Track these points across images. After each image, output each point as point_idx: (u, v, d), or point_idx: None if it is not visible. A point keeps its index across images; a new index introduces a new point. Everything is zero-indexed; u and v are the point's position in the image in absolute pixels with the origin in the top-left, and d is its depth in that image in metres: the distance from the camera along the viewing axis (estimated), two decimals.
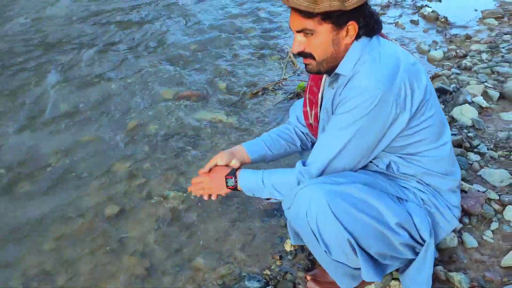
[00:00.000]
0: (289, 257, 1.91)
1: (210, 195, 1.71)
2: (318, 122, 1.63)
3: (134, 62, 3.81)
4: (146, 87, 3.40)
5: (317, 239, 1.37)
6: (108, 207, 2.28)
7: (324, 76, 1.57)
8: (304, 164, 1.48)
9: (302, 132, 1.84)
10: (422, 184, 1.48)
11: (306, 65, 1.45)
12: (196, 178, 1.73)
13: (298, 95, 3.12)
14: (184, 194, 2.33)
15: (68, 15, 4.95)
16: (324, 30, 1.34)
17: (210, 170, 1.71)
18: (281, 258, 1.91)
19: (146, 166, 2.57)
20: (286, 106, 3.04)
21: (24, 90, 3.45)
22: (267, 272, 1.84)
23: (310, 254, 1.91)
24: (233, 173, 1.62)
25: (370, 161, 1.50)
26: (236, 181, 1.59)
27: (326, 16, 1.31)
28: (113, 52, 4.05)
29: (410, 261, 1.52)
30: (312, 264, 1.86)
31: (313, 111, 1.65)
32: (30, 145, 2.82)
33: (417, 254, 1.49)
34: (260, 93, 3.21)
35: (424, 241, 1.45)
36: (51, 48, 4.18)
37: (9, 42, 4.33)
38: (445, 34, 3.88)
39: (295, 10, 1.33)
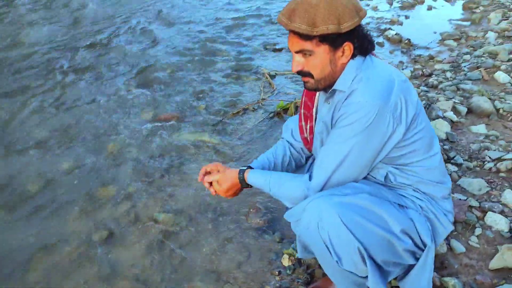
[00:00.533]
0: (288, 272, 1.93)
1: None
2: (313, 135, 1.70)
3: (109, 86, 3.78)
4: (123, 111, 3.38)
5: (329, 250, 1.42)
6: (95, 233, 2.24)
7: (318, 93, 1.65)
8: (310, 177, 1.54)
9: (295, 149, 1.89)
10: (418, 192, 1.56)
11: (305, 82, 1.52)
12: (208, 166, 1.73)
13: (278, 114, 3.19)
14: (175, 217, 2.32)
15: (38, 41, 4.85)
16: (322, 51, 1.42)
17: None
18: (280, 273, 1.93)
19: (131, 189, 2.54)
20: (268, 125, 3.11)
21: None
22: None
23: (308, 267, 1.95)
24: (243, 170, 1.66)
25: (368, 173, 1.57)
26: (246, 175, 1.64)
27: (324, 38, 1.39)
28: (87, 76, 3.99)
29: (409, 268, 1.59)
30: (311, 278, 1.90)
31: (308, 125, 1.72)
32: (6, 173, 2.73)
33: (417, 259, 1.56)
34: (240, 113, 3.26)
35: (424, 246, 1.52)
36: (23, 74, 4.09)
37: None
38: (410, 55, 4.11)
39: (294, 32, 1.40)
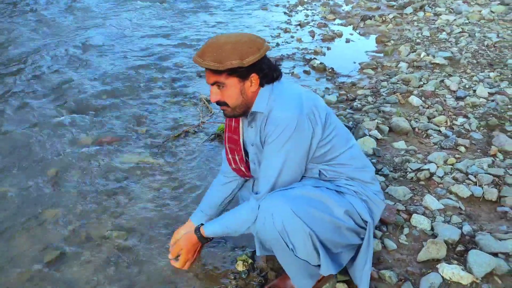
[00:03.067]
0: (243, 275, 2.06)
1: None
2: (246, 163, 1.92)
3: (42, 112, 3.70)
4: (61, 136, 3.34)
5: (284, 240, 1.61)
6: (46, 254, 2.21)
7: (241, 122, 1.88)
8: (256, 193, 1.76)
9: (232, 178, 2.10)
10: (350, 180, 1.82)
11: (223, 110, 1.77)
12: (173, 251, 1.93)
13: (219, 136, 3.34)
14: (128, 234, 2.35)
15: None
16: (232, 82, 1.67)
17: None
18: (235, 278, 2.05)
19: (78, 210, 2.53)
20: (209, 147, 3.24)
21: None
22: None
23: (261, 271, 2.09)
24: (198, 228, 1.86)
25: (304, 176, 1.80)
26: (203, 231, 1.84)
27: (231, 72, 1.64)
28: (16, 103, 3.86)
29: (356, 252, 1.83)
30: (265, 280, 2.04)
31: (236, 157, 1.93)
32: None
33: (362, 239, 1.79)
34: (182, 136, 3.37)
35: (365, 224, 1.77)
36: None
37: None
38: (334, 82, 4.49)
39: (207, 69, 1.65)
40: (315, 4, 8.16)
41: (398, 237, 2.28)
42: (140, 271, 2.12)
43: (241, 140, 1.90)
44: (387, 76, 4.49)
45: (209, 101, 3.95)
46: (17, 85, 4.22)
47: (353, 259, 1.84)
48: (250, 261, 2.13)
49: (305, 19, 7.06)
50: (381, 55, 5.34)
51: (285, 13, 7.46)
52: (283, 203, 1.60)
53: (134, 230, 2.39)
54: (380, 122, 3.42)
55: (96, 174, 2.88)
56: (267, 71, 1.71)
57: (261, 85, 1.72)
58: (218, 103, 1.72)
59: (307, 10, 7.73)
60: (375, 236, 2.25)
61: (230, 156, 1.95)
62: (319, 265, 1.70)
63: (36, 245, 2.27)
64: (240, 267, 2.10)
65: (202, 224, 1.87)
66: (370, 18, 6.87)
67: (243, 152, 1.90)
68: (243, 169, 1.93)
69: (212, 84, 1.68)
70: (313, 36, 6.13)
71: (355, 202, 1.76)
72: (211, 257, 2.20)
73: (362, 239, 1.79)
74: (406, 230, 2.32)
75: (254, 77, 1.68)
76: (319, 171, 1.79)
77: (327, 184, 1.77)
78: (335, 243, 1.70)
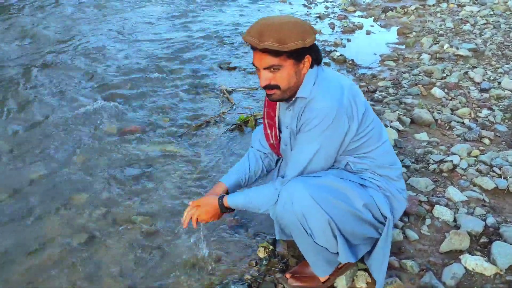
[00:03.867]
0: (264, 262, 2.09)
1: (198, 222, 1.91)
2: (278, 140, 1.92)
3: (70, 102, 3.78)
4: (87, 124, 3.41)
5: (303, 226, 1.64)
6: (75, 236, 2.28)
7: (284, 105, 1.86)
8: (283, 177, 1.77)
9: (265, 155, 2.11)
10: (375, 174, 1.82)
11: (270, 94, 1.72)
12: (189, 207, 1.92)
13: (239, 127, 3.36)
14: (151, 219, 2.41)
15: None
16: (289, 64, 1.64)
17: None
18: (256, 264, 2.08)
19: (105, 196, 2.60)
20: (230, 136, 3.27)
21: None
22: (248, 277, 2.00)
23: (282, 258, 2.11)
24: (221, 197, 1.86)
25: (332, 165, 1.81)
26: (226, 201, 1.84)
27: (291, 53, 1.61)
28: (46, 93, 3.95)
29: (374, 245, 1.83)
30: (286, 267, 2.06)
31: (272, 132, 1.94)
32: None
33: (380, 234, 1.79)
34: (203, 126, 3.40)
35: (384, 219, 1.77)
36: None
37: None
38: (355, 74, 4.47)
39: (264, 51, 1.60)
40: None
41: (420, 228, 2.28)
42: (163, 255, 2.17)
43: (276, 118, 1.90)
44: (409, 68, 4.45)
45: (229, 92, 3.98)
46: (45, 77, 4.31)
47: (370, 252, 1.85)
48: (271, 247, 2.15)
49: (325, 11, 7.01)
50: (403, 46, 5.28)
51: (304, 5, 7.41)
52: (303, 189, 1.61)
53: (157, 215, 2.44)
54: (401, 113, 3.40)
55: (121, 162, 2.94)
56: (317, 53, 1.70)
57: (310, 66, 1.70)
58: (268, 86, 1.67)
59: (327, 2, 7.66)
60: (396, 226, 2.25)
61: (268, 131, 1.95)
62: (337, 253, 1.72)
63: (66, 228, 2.34)
64: (261, 253, 2.13)
65: (226, 194, 1.88)
66: (392, 10, 6.79)
67: (277, 129, 1.91)
68: (275, 146, 1.95)
69: (266, 68, 1.63)
70: (333, 28, 6.10)
71: (376, 196, 1.76)
72: (233, 243, 2.24)
73: (380, 234, 1.79)
74: (428, 221, 2.31)
75: (307, 59, 1.66)
76: (347, 162, 1.79)
77: (351, 176, 1.78)
78: (354, 233, 1.71)
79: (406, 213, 2.34)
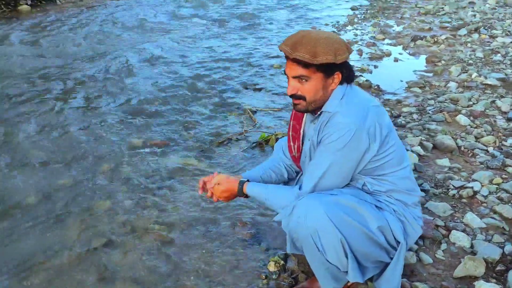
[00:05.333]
0: (274, 276, 2.10)
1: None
2: (300, 152, 1.94)
3: (100, 114, 3.95)
4: (115, 137, 3.54)
5: (315, 242, 1.64)
6: (95, 240, 2.37)
7: (305, 115, 1.91)
8: (300, 188, 1.79)
9: (286, 164, 2.13)
10: (392, 198, 1.81)
11: (296, 104, 1.77)
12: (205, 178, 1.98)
13: (260, 145, 3.42)
14: (168, 228, 2.47)
15: (31, 73, 5.01)
16: (317, 77, 1.69)
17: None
18: (266, 277, 2.10)
19: (126, 204, 2.69)
20: (251, 153, 3.33)
21: None
22: None
23: (292, 273, 2.12)
24: (243, 181, 1.90)
25: (348, 184, 1.82)
26: (245, 187, 1.88)
27: (320, 67, 1.66)
28: (78, 105, 4.17)
29: (384, 268, 1.81)
30: (295, 282, 2.07)
31: (295, 145, 1.97)
32: (6, 188, 2.85)
33: (391, 258, 1.78)
34: (225, 142, 3.48)
35: (396, 244, 1.75)
36: (17, 101, 4.24)
37: None
38: (379, 99, 4.48)
39: (295, 60, 1.67)
40: (365, 24, 8.16)
41: (435, 252, 2.25)
42: (177, 263, 2.21)
43: (301, 131, 1.93)
44: (435, 95, 4.43)
45: (253, 112, 4.05)
46: (79, 90, 4.52)
47: (380, 273, 1.84)
48: (282, 262, 2.17)
49: (354, 38, 7.08)
50: (430, 74, 5.26)
51: (333, 32, 7.51)
52: (318, 205, 1.62)
53: (174, 225, 2.50)
54: (424, 139, 3.38)
55: (143, 173, 3.04)
56: (348, 72, 1.73)
57: (340, 83, 1.73)
58: (294, 96, 1.73)
59: (357, 30, 7.74)
60: (410, 249, 2.23)
61: (292, 143, 1.99)
62: (346, 272, 1.71)
63: (86, 232, 2.44)
64: (271, 267, 2.15)
65: (248, 180, 1.90)
66: (421, 39, 6.79)
67: (300, 142, 1.94)
68: (297, 158, 1.97)
69: (294, 77, 1.70)
70: (360, 55, 6.15)
71: (391, 220, 1.76)
72: (244, 255, 2.26)
73: (391, 258, 1.78)
74: (444, 246, 2.28)
75: (337, 75, 1.70)
76: (364, 182, 1.80)
77: (367, 197, 1.78)
78: (365, 254, 1.71)
79: (421, 237, 2.31)
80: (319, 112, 1.78)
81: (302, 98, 1.73)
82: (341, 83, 1.74)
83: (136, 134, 3.59)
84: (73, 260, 2.22)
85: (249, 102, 4.33)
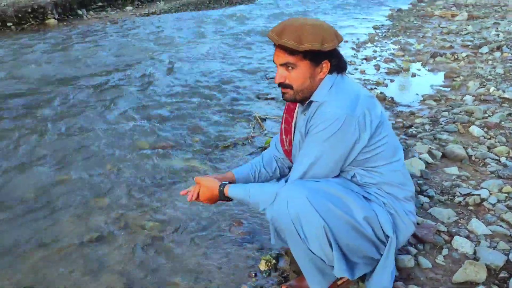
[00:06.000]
0: (264, 275, 2.04)
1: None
2: (292, 146, 1.90)
3: (111, 117, 4.02)
4: (122, 139, 3.59)
5: (296, 230, 1.57)
6: (86, 234, 2.36)
7: (297, 107, 1.87)
8: (286, 181, 1.74)
9: (279, 159, 2.09)
10: (382, 191, 1.74)
11: (284, 93, 1.74)
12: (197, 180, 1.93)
13: (265, 149, 3.38)
14: (162, 226, 2.44)
15: (46, 78, 5.16)
16: (304, 65, 1.66)
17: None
18: (256, 275, 2.04)
19: (123, 201, 2.69)
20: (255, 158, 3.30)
21: (2, 136, 3.62)
22: (245, 287, 1.96)
23: (283, 272, 2.06)
24: (223, 184, 1.84)
25: (337, 176, 1.76)
26: (227, 190, 1.81)
27: (306, 55, 1.63)
28: (90, 108, 4.26)
29: (375, 267, 1.73)
30: (285, 281, 2.00)
31: (287, 138, 1.93)
32: (7, 182, 2.91)
33: (381, 255, 1.70)
34: (231, 147, 3.46)
35: (386, 239, 1.67)
36: (32, 102, 4.37)
37: None
38: (392, 111, 4.40)
39: (281, 47, 1.64)
40: (385, 42, 8.12)
41: (435, 257, 2.14)
42: (166, 260, 2.18)
43: (293, 123, 1.88)
44: (450, 107, 4.32)
45: (262, 119, 4.04)
46: (92, 94, 4.63)
47: (371, 273, 1.76)
48: (273, 262, 2.11)
49: (373, 54, 7.04)
50: (447, 89, 5.15)
51: (352, 48, 7.49)
52: (301, 191, 1.57)
53: (168, 223, 2.48)
54: (433, 148, 3.28)
55: (145, 173, 3.05)
56: (338, 61, 1.69)
57: (329, 72, 1.69)
58: (281, 84, 1.70)
59: (376, 47, 7.70)
60: (408, 253, 2.13)
61: (284, 137, 1.94)
62: (333, 266, 1.64)
63: (79, 226, 2.44)
64: (262, 266, 2.09)
65: (229, 183, 1.84)
66: (441, 55, 6.69)
67: (292, 135, 1.88)
68: (289, 152, 1.92)
69: (281, 65, 1.67)
70: (377, 69, 6.09)
71: (379, 212, 1.68)
72: (235, 253, 2.21)
73: (382, 255, 1.70)
74: (445, 251, 2.17)
75: (325, 64, 1.66)
76: (354, 173, 1.73)
77: (355, 188, 1.71)
78: (351, 247, 1.62)
79: (421, 241, 2.22)
80: (307, 102, 1.74)
81: (289, 86, 1.69)
82: (330, 72, 1.70)
83: (144, 137, 3.62)
84: (62, 252, 2.22)
85: (259, 111, 4.32)
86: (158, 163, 3.18)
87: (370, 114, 1.65)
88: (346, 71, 1.79)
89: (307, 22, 1.64)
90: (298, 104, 1.85)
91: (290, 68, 1.66)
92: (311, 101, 1.72)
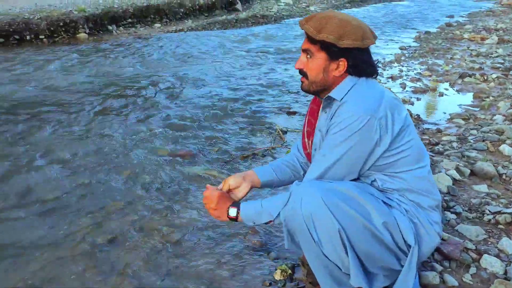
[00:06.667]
0: (279, 285, 1.95)
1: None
2: (312, 146, 1.83)
3: (133, 126, 4.03)
4: (142, 145, 3.58)
5: (310, 231, 1.49)
6: (100, 235, 2.33)
7: (321, 107, 1.81)
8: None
9: (302, 161, 2.02)
10: (404, 197, 1.64)
11: (301, 82, 1.73)
12: (206, 191, 1.86)
13: None
14: (176, 230, 2.39)
15: (74, 87, 5.27)
16: (320, 57, 1.64)
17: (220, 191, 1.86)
18: (270, 285, 1.95)
19: (140, 206, 2.65)
20: None
21: (29, 138, 3.70)
22: None
23: (298, 283, 1.96)
24: (237, 204, 1.77)
25: (357, 179, 1.67)
26: (238, 212, 1.74)
27: (324, 46, 1.60)
28: (114, 116, 4.30)
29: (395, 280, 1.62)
30: None
31: (310, 140, 1.85)
32: (27, 182, 2.93)
33: (402, 267, 1.58)
34: (250, 157, 3.40)
35: (408, 249, 1.56)
36: (58, 109, 4.46)
37: (24, 104, 4.59)
38: (419, 128, 4.28)
39: (306, 33, 1.64)
40: (412, 62, 8.00)
41: (462, 276, 2.01)
42: (179, 265, 2.12)
43: (316, 126, 1.83)
44: (479, 126, 4.17)
45: (283, 132, 3.98)
46: (117, 103, 4.68)
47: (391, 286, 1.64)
48: (289, 272, 2.02)
49: (398, 74, 6.93)
50: (476, 109, 5.00)
51: (378, 67, 7.40)
52: (315, 191, 1.49)
53: (183, 228, 2.43)
54: (461, 165, 3.14)
55: (163, 179, 3.01)
56: (360, 63, 1.63)
57: (348, 73, 1.65)
58: (301, 72, 1.70)
59: (402, 66, 7.58)
60: (433, 269, 2.01)
61: (306, 140, 1.88)
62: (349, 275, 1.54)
63: (94, 227, 2.41)
64: (278, 276, 2.00)
65: (237, 207, 1.75)
66: (470, 76, 6.53)
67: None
68: (311, 155, 1.85)
69: (303, 51, 1.67)
70: (403, 88, 5.98)
71: (400, 218, 1.57)
72: (251, 262, 2.13)
73: (403, 266, 1.58)
74: (472, 270, 2.04)
75: (342, 62, 1.63)
76: (375, 178, 1.65)
77: (375, 192, 1.61)
78: (369, 255, 1.52)
79: (447, 258, 2.09)
80: (325, 97, 1.69)
81: (306, 76, 1.69)
82: (352, 74, 1.65)
83: (164, 145, 3.60)
84: (75, 252, 2.18)
85: (280, 123, 4.26)
86: (176, 170, 3.15)
87: (393, 116, 1.58)
88: (375, 77, 1.73)
89: (338, 16, 1.62)
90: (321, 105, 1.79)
91: (308, 56, 1.66)
92: (331, 98, 1.66)
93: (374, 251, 1.52)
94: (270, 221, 1.67)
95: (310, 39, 1.62)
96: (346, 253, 1.48)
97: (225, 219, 1.79)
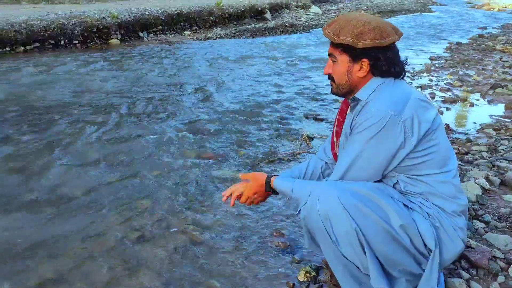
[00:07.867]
0: (302, 286, 1.96)
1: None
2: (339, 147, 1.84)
3: (161, 128, 4.11)
4: (170, 147, 3.65)
5: (327, 230, 1.50)
6: (128, 233, 2.39)
7: (349, 108, 1.82)
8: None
9: (326, 162, 2.02)
10: (427, 201, 1.61)
11: (331, 86, 1.76)
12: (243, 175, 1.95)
13: None
14: (203, 230, 2.43)
15: (106, 90, 5.43)
16: (343, 60, 1.65)
17: None
18: (294, 286, 1.96)
19: (166, 205, 2.71)
20: None
21: (62, 137, 3.82)
22: None
23: (322, 285, 1.96)
24: (270, 175, 1.86)
25: (381, 180, 1.67)
26: (273, 180, 1.81)
27: (345, 49, 1.62)
28: (143, 118, 4.40)
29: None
30: None
31: (338, 141, 1.86)
32: (57, 181, 3.02)
33: (423, 270, 1.57)
34: (276, 162, 3.43)
35: (429, 253, 1.54)
36: (88, 111, 4.58)
37: (58, 106, 4.74)
38: (448, 137, 4.21)
39: (329, 39, 1.66)
40: (442, 73, 7.89)
41: (490, 284, 1.97)
42: (204, 263, 2.15)
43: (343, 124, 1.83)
44: (510, 136, 4.08)
45: (310, 138, 3.99)
46: (146, 107, 4.79)
47: None
48: (313, 273, 2.02)
49: (428, 83, 6.84)
50: (508, 120, 4.89)
51: (407, 77, 7.32)
52: (332, 190, 1.51)
53: (209, 228, 2.46)
54: (491, 174, 3.08)
55: (189, 180, 3.07)
56: (384, 62, 1.61)
57: (373, 74, 1.64)
58: (329, 76, 1.73)
59: (432, 76, 7.48)
60: (460, 277, 1.98)
61: (335, 139, 1.88)
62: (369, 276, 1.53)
63: (122, 225, 2.48)
64: (301, 277, 2.01)
65: (276, 176, 1.84)
66: (502, 87, 6.39)
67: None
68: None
69: (329, 55, 1.70)
70: (433, 97, 5.89)
71: (421, 222, 1.55)
72: (275, 263, 2.15)
73: (424, 270, 1.56)
74: (501, 278, 2.00)
75: (364, 62, 1.62)
76: (397, 180, 1.63)
77: (396, 194, 1.60)
78: (388, 257, 1.51)
79: (474, 265, 2.06)
80: (351, 98, 1.70)
81: (333, 79, 1.71)
82: (374, 74, 1.64)
83: (191, 147, 3.67)
84: (103, 248, 2.25)
85: (307, 129, 4.27)
86: (202, 172, 3.20)
87: (419, 118, 1.55)
88: (402, 77, 1.71)
89: (358, 18, 1.62)
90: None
91: (334, 60, 1.68)
92: (357, 99, 1.67)
93: (393, 253, 1.51)
94: None
95: (332, 43, 1.64)
96: (365, 253, 1.48)
97: (261, 194, 1.89)
